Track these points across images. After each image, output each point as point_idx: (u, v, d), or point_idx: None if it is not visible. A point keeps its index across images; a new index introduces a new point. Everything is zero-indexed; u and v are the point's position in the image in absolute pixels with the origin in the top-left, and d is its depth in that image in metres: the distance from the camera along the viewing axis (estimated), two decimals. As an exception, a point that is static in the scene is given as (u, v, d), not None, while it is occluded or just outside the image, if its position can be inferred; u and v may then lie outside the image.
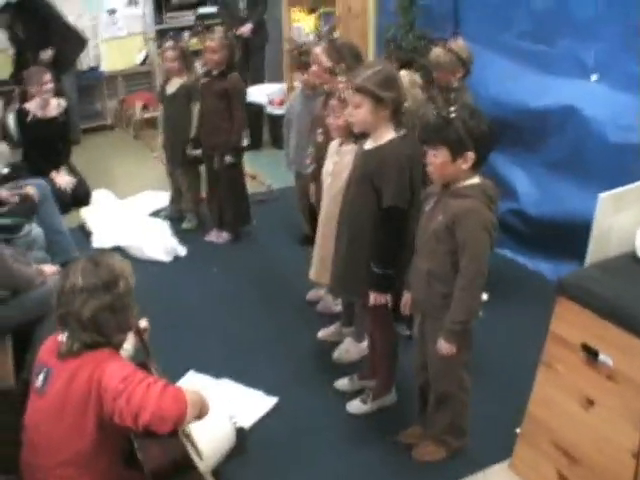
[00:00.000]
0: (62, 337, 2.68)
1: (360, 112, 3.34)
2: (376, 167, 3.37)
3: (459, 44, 4.83)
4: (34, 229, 4.46)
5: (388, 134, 3.40)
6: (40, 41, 8.04)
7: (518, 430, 3.44)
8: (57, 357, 2.66)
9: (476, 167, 3.00)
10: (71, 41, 8.59)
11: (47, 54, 8.06)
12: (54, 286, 2.74)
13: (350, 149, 3.87)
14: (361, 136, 3.67)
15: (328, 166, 4.05)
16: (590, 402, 2.97)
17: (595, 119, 4.82)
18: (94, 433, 2.58)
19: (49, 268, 3.95)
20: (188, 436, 2.77)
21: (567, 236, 5.05)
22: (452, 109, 2.94)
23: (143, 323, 3.19)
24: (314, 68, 4.69)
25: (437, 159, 2.97)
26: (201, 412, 2.67)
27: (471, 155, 2.93)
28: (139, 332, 3.12)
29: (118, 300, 2.63)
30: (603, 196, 2.95)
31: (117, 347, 2.74)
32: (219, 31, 5.77)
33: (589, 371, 2.95)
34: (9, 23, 8.03)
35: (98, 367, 2.56)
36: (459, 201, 2.99)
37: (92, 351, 2.61)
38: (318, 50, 4.65)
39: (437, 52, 4.81)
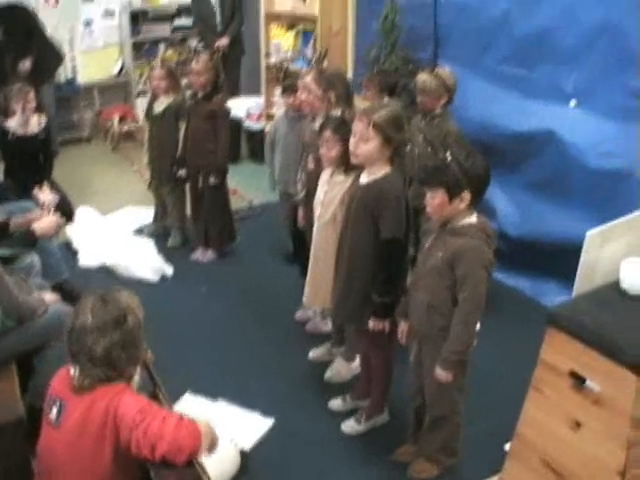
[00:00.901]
0: (73, 370, 2.75)
1: (367, 146, 3.46)
2: (375, 201, 3.50)
3: (446, 71, 4.95)
4: (32, 256, 4.50)
5: (384, 168, 3.53)
6: (20, 50, 8.09)
7: (507, 446, 3.58)
8: (70, 390, 2.72)
9: (472, 205, 3.15)
10: (50, 54, 8.64)
11: (26, 64, 8.11)
12: (65, 324, 2.79)
13: (341, 180, 4.01)
14: (351, 168, 3.83)
15: (319, 195, 4.16)
16: (577, 424, 3.10)
17: (575, 144, 4.96)
18: (110, 463, 2.64)
19: (49, 296, 4.00)
20: (199, 464, 2.87)
21: (546, 255, 5.23)
22: (448, 152, 3.08)
23: (148, 354, 3.26)
24: (304, 96, 4.76)
25: (435, 200, 3.12)
26: (212, 444, 2.78)
27: (467, 195, 3.08)
28: (146, 363, 3.21)
29: (128, 335, 2.70)
30: (590, 234, 3.10)
31: (129, 380, 2.81)
32: (204, 53, 5.87)
33: (576, 396, 3.09)
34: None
35: (113, 399, 2.63)
36: (459, 239, 3.14)
37: (105, 385, 2.68)
38: (308, 79, 4.72)
39: (424, 77, 4.91)
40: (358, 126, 3.50)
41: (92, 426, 2.64)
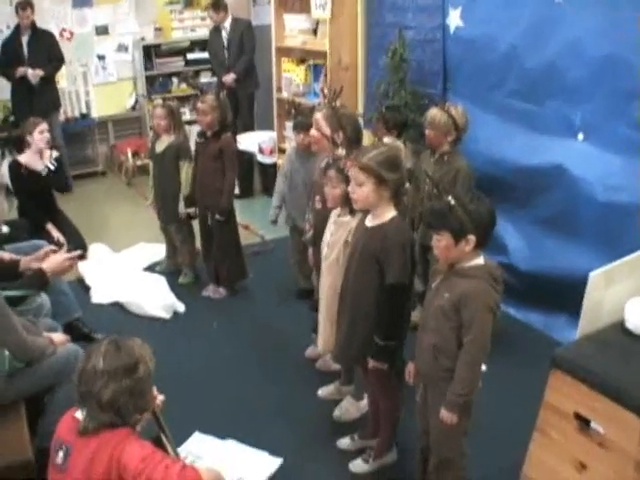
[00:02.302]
0: (79, 414, 2.77)
1: (363, 190, 3.46)
2: (380, 245, 3.49)
3: (458, 110, 4.94)
4: (42, 297, 4.52)
5: (390, 212, 3.52)
6: (37, 64, 8.49)
7: (514, 488, 3.58)
8: (76, 434, 2.73)
9: (479, 247, 3.15)
10: (51, 95, 8.89)
11: (37, 73, 8.43)
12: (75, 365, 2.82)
13: (346, 221, 4.01)
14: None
15: (326, 236, 4.17)
16: (583, 466, 3.10)
17: (584, 179, 4.96)
18: (115, 510, 2.65)
19: (58, 337, 4.00)
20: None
21: (556, 289, 5.21)
22: (452, 197, 3.09)
23: (159, 399, 3.18)
24: (313, 132, 4.73)
25: (441, 243, 3.12)
26: None
27: (472, 238, 3.08)
28: (154, 410, 3.20)
29: (137, 384, 2.71)
30: (594, 274, 3.10)
31: (134, 426, 2.80)
32: (210, 93, 5.89)
33: (581, 438, 3.09)
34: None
35: (117, 446, 2.65)
36: (465, 281, 3.13)
37: (111, 430, 2.69)
38: (319, 115, 4.66)
39: (434, 112, 4.94)
40: (352, 171, 3.52)
41: (97, 473, 2.64)
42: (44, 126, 6.50)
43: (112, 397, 2.65)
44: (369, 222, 3.60)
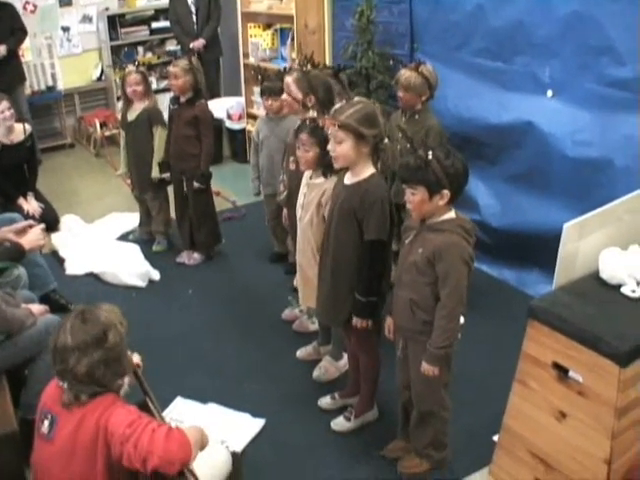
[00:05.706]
0: (63, 384, 2.76)
1: (343, 148, 3.46)
2: (359, 202, 3.50)
3: (429, 69, 4.93)
4: (19, 269, 4.50)
5: (369, 169, 3.54)
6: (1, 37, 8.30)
7: (495, 438, 3.63)
8: (61, 404, 2.73)
9: (451, 202, 3.18)
10: (15, 70, 8.72)
11: (2, 48, 8.24)
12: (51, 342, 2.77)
13: (319, 182, 4.02)
14: (330, 170, 3.85)
15: (300, 198, 4.18)
16: (563, 415, 3.15)
17: (553, 135, 4.99)
18: (103, 475, 2.67)
19: (37, 308, 3.99)
20: (191, 471, 2.89)
21: (528, 245, 5.27)
22: (429, 151, 3.11)
23: (135, 358, 3.23)
24: (284, 96, 4.77)
25: (415, 197, 3.15)
26: (202, 445, 2.81)
27: (447, 192, 3.11)
28: (135, 372, 3.21)
29: (110, 353, 2.69)
30: (568, 225, 3.13)
31: (118, 391, 2.81)
32: (183, 58, 5.86)
33: (561, 387, 3.14)
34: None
35: (103, 414, 2.65)
36: (438, 235, 3.17)
37: (95, 398, 2.70)
38: (289, 79, 4.70)
39: (407, 74, 4.90)
40: (331, 130, 3.52)
41: (84, 441, 2.66)
42: (4, 105, 6.37)
43: (87, 370, 2.64)
44: (348, 180, 3.61)
